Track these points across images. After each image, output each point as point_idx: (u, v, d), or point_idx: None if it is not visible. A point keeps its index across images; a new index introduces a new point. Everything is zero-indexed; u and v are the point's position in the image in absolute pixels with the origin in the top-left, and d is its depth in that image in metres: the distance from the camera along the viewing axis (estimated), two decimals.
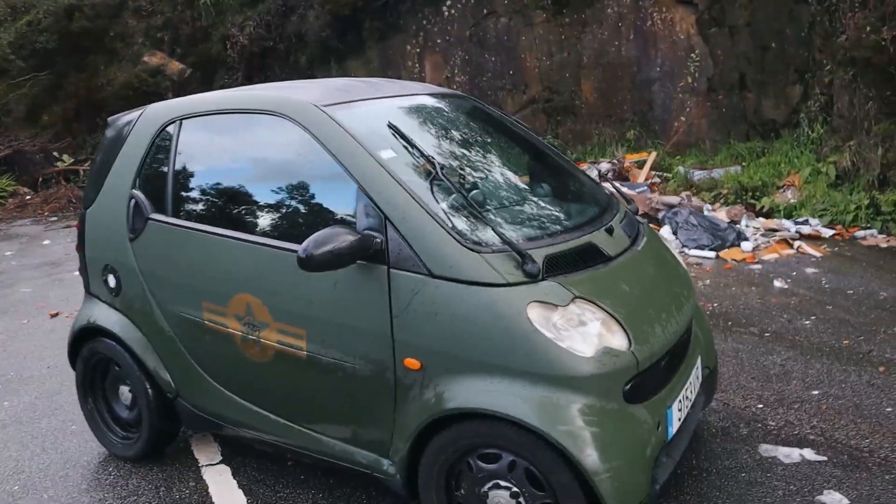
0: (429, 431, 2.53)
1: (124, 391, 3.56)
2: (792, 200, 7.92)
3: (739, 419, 3.65)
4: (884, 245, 6.79)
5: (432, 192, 2.63)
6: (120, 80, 14.15)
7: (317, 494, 3.19)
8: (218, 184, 3.21)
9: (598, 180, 3.79)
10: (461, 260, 2.45)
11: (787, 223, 7.49)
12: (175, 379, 3.31)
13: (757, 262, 6.50)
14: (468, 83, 11.48)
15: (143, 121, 3.46)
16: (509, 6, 10.99)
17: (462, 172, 2.95)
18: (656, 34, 10.15)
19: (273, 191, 2.99)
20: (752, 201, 8.15)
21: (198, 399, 3.27)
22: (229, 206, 3.13)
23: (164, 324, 3.26)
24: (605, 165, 9.81)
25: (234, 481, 3.34)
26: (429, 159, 2.69)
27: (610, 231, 2.88)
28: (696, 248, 6.90)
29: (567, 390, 2.34)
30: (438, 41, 11.65)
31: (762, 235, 7.21)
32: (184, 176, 3.26)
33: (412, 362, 2.52)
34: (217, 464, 3.52)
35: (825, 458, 3.25)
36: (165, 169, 3.28)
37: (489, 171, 3.16)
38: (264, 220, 2.96)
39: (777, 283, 5.84)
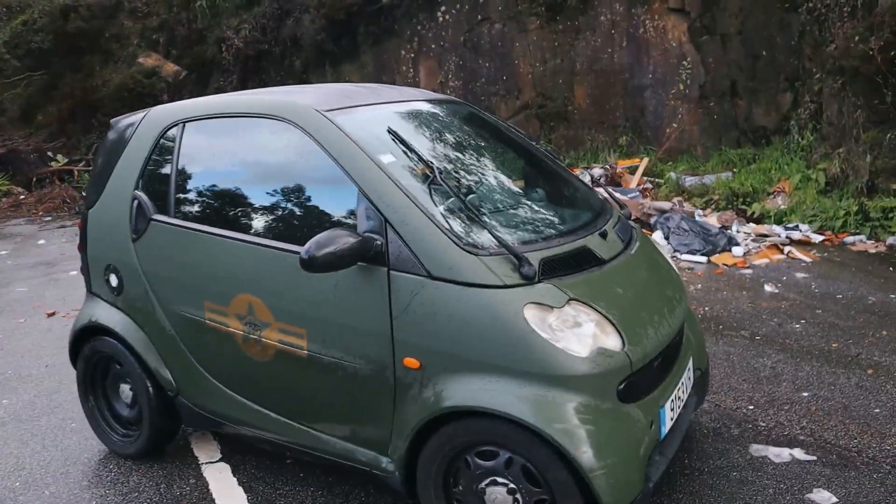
0: (427, 429, 2.58)
1: (125, 389, 3.60)
2: (782, 206, 8.02)
3: (731, 420, 3.72)
4: (872, 250, 6.89)
5: (431, 196, 2.68)
6: (115, 82, 14.16)
7: (316, 492, 3.23)
8: (220, 186, 3.25)
9: (592, 185, 3.85)
10: (459, 262, 2.51)
11: (777, 229, 7.58)
12: (176, 377, 3.35)
13: (748, 267, 6.58)
14: (462, 88, 11.54)
15: (146, 123, 3.51)
16: (503, 12, 11.07)
17: (460, 177, 3.00)
18: (649, 41, 10.24)
19: (274, 193, 3.03)
20: (743, 207, 8.25)
21: (198, 397, 3.31)
22: (231, 207, 3.17)
23: (165, 323, 3.31)
24: (597, 171, 9.87)
25: (234, 479, 3.38)
26: (427, 164, 2.76)
27: (604, 235, 2.94)
28: (687, 252, 6.98)
29: (563, 389, 2.39)
30: (433, 46, 11.71)
31: (753, 241, 7.29)
32: (186, 178, 3.30)
33: (411, 362, 2.57)
34: (217, 461, 3.56)
35: (815, 458, 3.32)
36: (168, 171, 3.33)
37: (486, 175, 3.21)
38: (266, 222, 3.01)
39: (767, 288, 5.92)
